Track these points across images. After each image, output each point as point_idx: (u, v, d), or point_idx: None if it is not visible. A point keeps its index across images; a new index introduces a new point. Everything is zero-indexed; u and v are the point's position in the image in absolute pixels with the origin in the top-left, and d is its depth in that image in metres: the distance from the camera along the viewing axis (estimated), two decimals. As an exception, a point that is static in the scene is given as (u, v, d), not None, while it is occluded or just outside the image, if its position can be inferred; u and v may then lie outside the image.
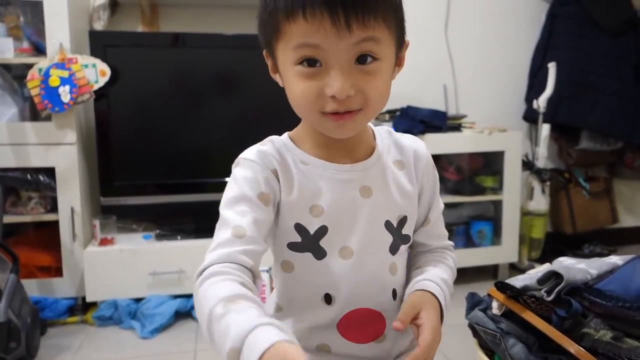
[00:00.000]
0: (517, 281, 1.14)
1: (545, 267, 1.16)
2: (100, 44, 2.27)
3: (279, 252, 0.80)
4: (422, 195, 0.86)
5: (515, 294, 1.12)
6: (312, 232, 0.77)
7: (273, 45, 0.74)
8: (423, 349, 0.71)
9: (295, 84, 0.72)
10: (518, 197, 2.76)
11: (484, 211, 2.85)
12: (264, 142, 0.82)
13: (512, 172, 2.71)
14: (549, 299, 1.03)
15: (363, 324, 0.79)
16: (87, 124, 2.45)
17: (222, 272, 0.67)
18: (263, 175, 0.76)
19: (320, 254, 0.78)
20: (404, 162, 0.84)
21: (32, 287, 2.23)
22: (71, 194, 2.28)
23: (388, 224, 0.81)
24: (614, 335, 0.95)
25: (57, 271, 2.33)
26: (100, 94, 2.27)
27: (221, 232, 0.72)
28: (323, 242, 0.77)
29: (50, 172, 2.27)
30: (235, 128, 2.47)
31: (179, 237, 2.39)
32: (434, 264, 0.86)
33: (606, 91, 2.85)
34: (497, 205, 2.77)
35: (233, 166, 0.79)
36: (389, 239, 0.81)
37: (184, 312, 2.31)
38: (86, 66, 2.20)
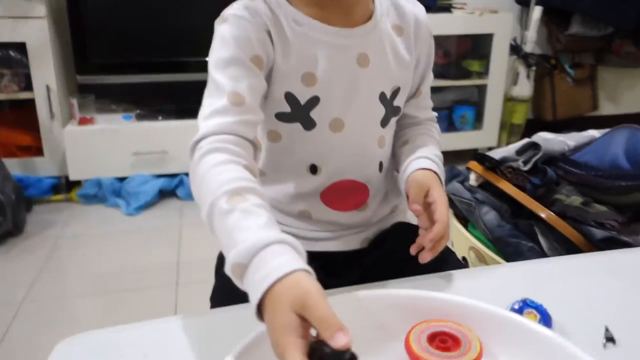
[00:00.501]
0: (496, 154, 1.16)
1: (524, 141, 1.17)
2: None
3: (266, 123, 0.75)
4: (418, 66, 0.81)
5: (493, 165, 1.14)
6: (302, 102, 0.72)
7: None
8: (443, 224, 0.68)
9: None
10: (503, 82, 2.74)
11: (468, 96, 2.84)
12: None
13: (500, 56, 2.67)
14: (526, 168, 1.06)
15: (346, 194, 0.79)
16: (57, -4, 2.30)
17: (223, 149, 0.60)
18: (256, 35, 0.67)
19: (309, 125, 0.73)
20: (403, 28, 0.77)
21: (14, 166, 2.22)
22: (45, 71, 2.20)
23: (382, 96, 0.76)
24: (584, 201, 0.99)
25: (38, 151, 2.31)
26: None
27: (215, 97, 0.65)
28: (313, 113, 0.73)
29: (21, 47, 2.17)
30: (216, 6, 2.34)
31: (160, 118, 2.36)
32: (424, 139, 0.81)
33: (601, -27, 2.73)
34: (482, 90, 2.76)
35: (217, 23, 0.70)
36: (381, 111, 0.77)
37: (168, 191, 2.34)
38: None
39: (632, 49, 3.05)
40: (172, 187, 2.34)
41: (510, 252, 1.05)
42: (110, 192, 2.27)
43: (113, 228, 2.12)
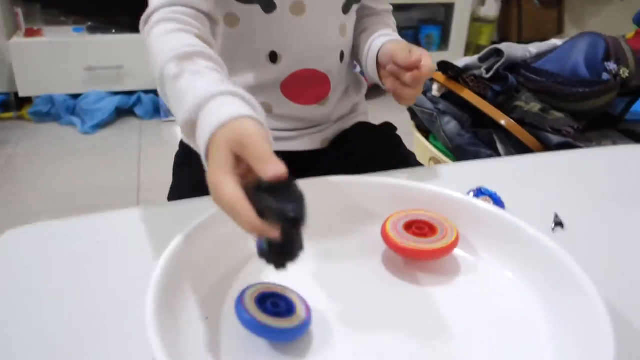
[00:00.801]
0: (460, 62, 1.15)
1: (488, 48, 1.16)
2: None
3: (223, 3, 0.71)
4: None
5: (456, 74, 1.13)
6: None
7: None
8: (429, 66, 0.66)
9: None
10: (470, 2, 2.69)
11: (434, 15, 2.78)
12: None
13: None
14: (488, 76, 1.06)
15: (307, 85, 0.77)
16: None
17: (173, 19, 0.57)
18: None
19: (269, 7, 0.70)
20: None
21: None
22: (-16, -23, 2.03)
23: None
24: (542, 108, 1.00)
25: (-18, 64, 2.18)
26: None
27: None
28: None
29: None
30: None
31: (113, 31, 2.23)
32: (382, 26, 0.80)
33: None
34: (448, 9, 2.70)
35: None
36: None
37: (126, 109, 2.26)
38: None
39: (600, -30, 3.03)
40: (130, 105, 2.25)
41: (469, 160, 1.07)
42: (64, 110, 2.18)
43: (68, 147, 2.05)
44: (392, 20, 0.84)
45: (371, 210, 0.55)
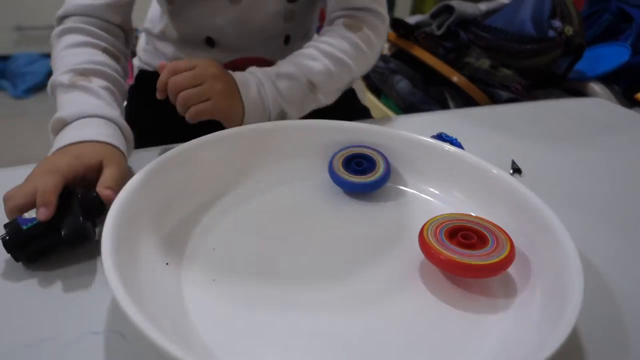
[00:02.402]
0: (411, 19, 1.15)
1: (439, 5, 1.16)
2: None
3: None
4: None
5: (407, 31, 1.13)
6: None
7: None
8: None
9: None
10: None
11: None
12: None
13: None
14: (439, 33, 1.06)
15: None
16: None
17: (84, 31, 0.58)
18: None
19: None
20: None
21: None
22: None
23: None
24: (491, 64, 1.01)
25: None
26: None
27: None
28: None
29: None
30: None
31: (44, -13, 2.09)
32: (315, 47, 0.64)
33: None
34: (394, -26, 2.70)
35: None
36: None
37: (61, 73, 2.13)
38: None
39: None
40: (65, 68, 2.13)
41: (420, 118, 1.08)
42: (-9, 73, 2.04)
43: (-1, 112, 1.92)
44: (347, 37, 0.65)
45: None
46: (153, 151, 0.58)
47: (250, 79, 0.58)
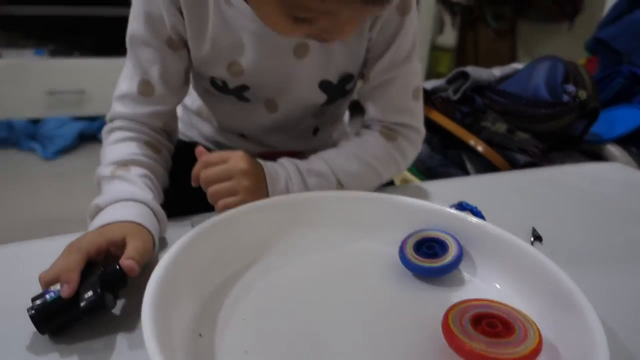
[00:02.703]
0: (428, 84, 1.19)
1: (455, 71, 1.20)
2: None
3: (201, 81, 0.70)
4: (373, 42, 0.66)
5: (424, 95, 1.17)
6: (231, 87, 0.67)
7: None
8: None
9: (275, 19, 0.51)
10: (429, 31, 2.79)
11: (395, 43, 2.87)
12: None
13: (426, 4, 2.70)
14: (455, 97, 1.10)
15: (277, 155, 0.76)
16: None
17: (128, 128, 0.62)
18: (168, 16, 0.60)
19: (242, 99, 0.69)
20: None
21: None
22: (-60, -2, 1.97)
23: (325, 84, 0.67)
24: (508, 128, 1.04)
25: (-64, 88, 2.10)
26: None
27: (128, 79, 0.63)
28: (246, 94, 0.68)
29: None
30: None
31: (76, 54, 2.20)
32: (350, 148, 0.65)
33: None
34: (409, 37, 2.79)
35: None
36: (322, 97, 0.69)
37: (89, 135, 2.22)
38: None
39: (549, 3, 3.20)
40: (93, 131, 2.21)
41: (439, 180, 1.10)
42: (23, 135, 2.12)
43: (28, 173, 1.98)
44: (381, 143, 0.66)
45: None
46: (186, 221, 0.60)
47: (280, 173, 0.61)
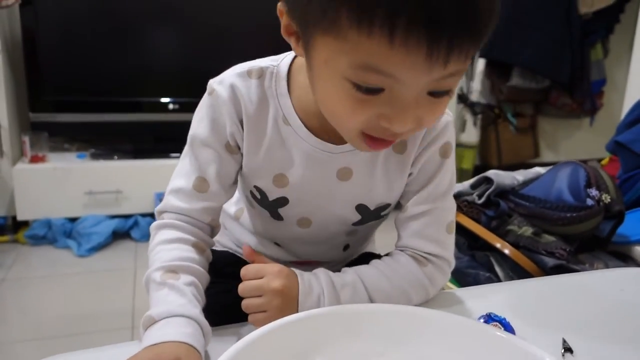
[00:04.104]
0: (452, 188, 1.22)
1: (478, 176, 1.24)
2: (25, -56, 2.09)
3: (245, 187, 0.75)
4: (414, 178, 0.70)
5: (449, 199, 1.20)
6: (270, 199, 0.71)
7: (310, 26, 0.52)
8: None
9: (339, 98, 0.53)
10: (451, 129, 2.89)
11: (419, 141, 2.96)
12: (252, 72, 0.66)
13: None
14: (480, 201, 1.13)
15: (309, 266, 0.80)
16: (13, 32, 2.27)
17: (178, 227, 0.66)
18: (230, 126, 0.66)
19: (276, 217, 0.73)
20: (406, 144, 0.68)
21: (-43, 205, 2.13)
22: (-4, 108, 2.15)
23: (361, 207, 0.71)
24: (534, 231, 1.05)
25: (-16, 189, 2.23)
26: (25, 1, 2.11)
27: (184, 174, 0.68)
28: (282, 211, 0.72)
29: (-28, 83, 2.13)
30: (172, 47, 2.40)
31: (115, 157, 2.33)
32: (384, 269, 0.68)
33: (538, 30, 2.97)
34: (432, 135, 2.88)
35: (207, 87, 0.68)
36: (356, 217, 0.72)
37: (122, 232, 2.29)
38: (10, -32, 2.02)
39: (568, 100, 3.30)
40: (127, 228, 2.29)
41: (469, 283, 1.10)
42: (60, 233, 2.20)
43: (62, 270, 2.04)
44: (412, 270, 0.68)
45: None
46: (221, 332, 0.62)
47: (315, 287, 0.63)
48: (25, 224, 2.25)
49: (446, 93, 0.53)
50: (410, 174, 0.69)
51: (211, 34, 2.38)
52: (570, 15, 3.06)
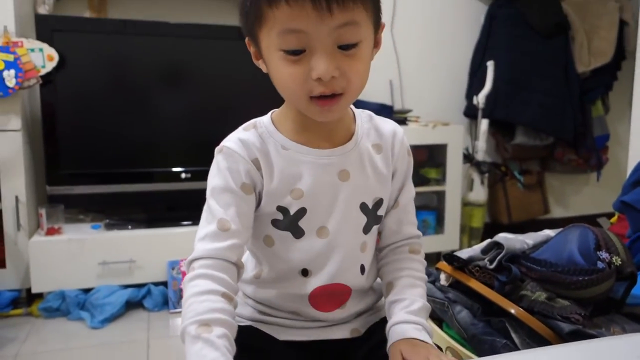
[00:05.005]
0: (463, 253, 1.24)
1: (487, 241, 1.26)
2: (48, 29, 2.22)
3: (262, 228, 0.84)
4: (394, 178, 0.89)
5: (461, 265, 1.21)
6: (292, 212, 0.82)
7: (256, 32, 0.76)
8: None
9: (281, 69, 0.74)
10: (459, 188, 2.92)
11: (428, 201, 2.98)
12: (247, 127, 0.84)
13: (454, 164, 2.86)
14: (492, 267, 1.14)
15: (332, 297, 0.86)
16: (33, 111, 2.38)
17: (209, 276, 0.73)
18: (244, 166, 0.80)
19: (298, 233, 0.82)
20: (381, 146, 0.87)
21: (-28, 279, 2.15)
22: (15, 183, 2.21)
23: (363, 206, 0.85)
24: (548, 296, 1.06)
25: (0, 263, 2.25)
26: (46, 80, 2.22)
27: (207, 222, 0.78)
28: (302, 223, 0.82)
29: (-8, 159, 2.20)
30: (182, 118, 2.49)
31: (129, 227, 2.37)
32: (409, 287, 0.87)
33: (539, 89, 3.06)
34: (440, 195, 2.91)
35: (216, 151, 0.82)
36: (363, 220, 0.86)
37: (135, 302, 2.29)
38: (32, 50, 2.14)
39: (574, 156, 3.33)
40: (140, 298, 2.29)
41: (486, 350, 1.09)
42: (74, 305, 2.20)
43: (76, 343, 2.03)
44: (418, 261, 0.92)
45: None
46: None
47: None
48: (39, 296, 2.26)
49: (353, 46, 0.73)
50: (392, 177, 0.89)
51: (220, 106, 2.47)
52: (568, 74, 3.16)
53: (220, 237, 0.76)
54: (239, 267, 0.78)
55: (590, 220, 2.88)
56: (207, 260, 0.75)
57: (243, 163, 0.80)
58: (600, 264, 1.07)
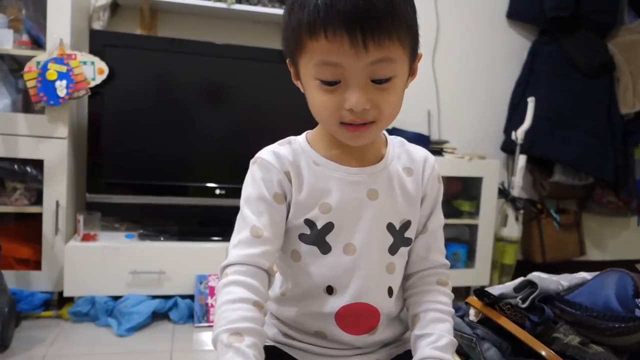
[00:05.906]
0: (494, 290, 1.21)
1: (520, 279, 1.23)
2: (100, 43, 2.32)
3: (290, 243, 0.86)
4: (424, 202, 0.91)
5: (492, 301, 1.19)
6: (319, 227, 0.84)
7: (296, 58, 0.80)
8: None
9: (316, 96, 0.79)
10: (493, 223, 2.87)
11: (459, 234, 2.94)
12: (282, 143, 0.88)
13: (489, 198, 2.83)
14: (524, 305, 1.11)
15: (359, 318, 0.86)
16: (79, 120, 2.47)
17: (241, 283, 0.76)
18: (277, 177, 0.83)
19: (325, 248, 0.84)
20: (412, 169, 0.90)
21: (9, 279, 2.21)
22: (57, 188, 2.29)
23: (390, 226, 0.87)
24: (581, 341, 1.03)
25: (36, 264, 2.32)
26: (94, 92, 2.31)
27: (241, 229, 0.81)
28: (329, 238, 0.84)
29: (38, 164, 2.28)
30: (220, 136, 2.54)
31: (161, 238, 2.41)
32: (436, 321, 0.87)
33: (580, 128, 3.00)
34: (473, 229, 2.87)
35: (251, 163, 0.86)
36: (389, 240, 0.87)
37: (162, 313, 2.32)
38: (84, 63, 2.23)
39: (613, 198, 3.25)
40: (166, 309, 2.32)
41: (512, 390, 1.06)
42: (102, 311, 2.24)
43: (102, 349, 2.06)
44: (445, 294, 0.91)
45: None
46: None
47: None
48: (70, 299, 2.31)
49: (386, 81, 0.76)
50: (424, 195, 0.90)
51: (257, 125, 2.52)
52: (611, 114, 3.10)
53: (253, 243, 0.79)
54: (270, 274, 0.80)
55: (629, 265, 2.79)
56: (240, 267, 0.77)
57: (276, 174, 0.83)
58: (638, 312, 1.03)
